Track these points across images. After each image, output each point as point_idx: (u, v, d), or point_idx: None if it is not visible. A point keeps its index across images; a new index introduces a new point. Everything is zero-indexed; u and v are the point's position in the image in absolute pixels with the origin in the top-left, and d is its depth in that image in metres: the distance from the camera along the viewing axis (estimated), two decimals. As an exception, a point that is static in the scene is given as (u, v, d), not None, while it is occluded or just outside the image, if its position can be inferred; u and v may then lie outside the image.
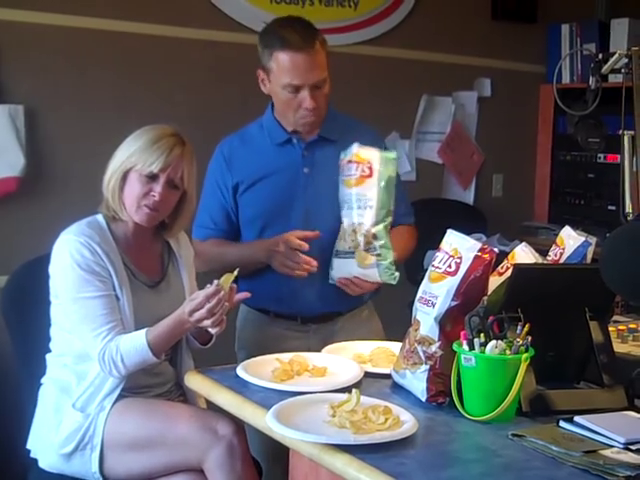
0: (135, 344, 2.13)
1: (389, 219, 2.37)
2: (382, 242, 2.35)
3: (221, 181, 2.55)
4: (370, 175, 2.34)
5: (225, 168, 2.53)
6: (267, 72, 2.44)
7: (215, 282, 2.08)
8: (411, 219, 2.68)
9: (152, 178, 2.22)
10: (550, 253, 2.13)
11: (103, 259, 2.19)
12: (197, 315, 2.08)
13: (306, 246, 2.35)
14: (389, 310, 2.71)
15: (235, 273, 2.12)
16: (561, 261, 2.08)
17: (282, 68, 2.38)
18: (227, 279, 2.10)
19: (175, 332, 2.18)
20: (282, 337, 2.51)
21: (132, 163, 2.21)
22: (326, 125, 2.51)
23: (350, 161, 2.37)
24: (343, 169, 2.39)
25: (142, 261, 2.31)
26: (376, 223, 2.34)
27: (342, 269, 2.39)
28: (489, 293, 1.86)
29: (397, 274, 2.37)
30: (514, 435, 1.64)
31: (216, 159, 2.58)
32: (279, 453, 1.91)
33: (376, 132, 2.63)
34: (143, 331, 2.14)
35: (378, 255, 2.35)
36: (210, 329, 2.13)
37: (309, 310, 2.52)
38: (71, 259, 2.17)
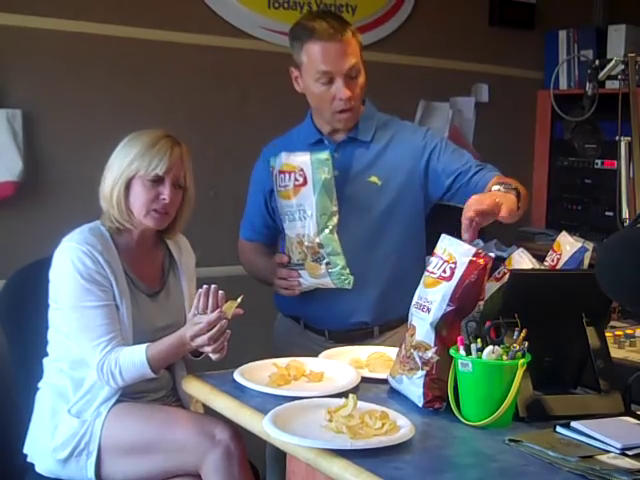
0: (134, 359, 2.13)
1: (334, 220, 2.31)
2: (329, 249, 2.30)
3: (260, 185, 2.55)
4: (304, 183, 2.30)
5: (264, 172, 2.49)
6: (299, 67, 2.41)
7: (218, 310, 2.06)
8: (493, 172, 2.50)
9: (157, 181, 2.22)
10: (547, 258, 2.14)
11: (105, 268, 2.19)
12: (199, 341, 2.08)
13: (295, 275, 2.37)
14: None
15: (239, 300, 2.10)
16: (558, 266, 2.08)
17: (314, 58, 2.35)
18: (230, 306, 2.09)
19: (175, 352, 2.18)
20: (310, 351, 2.38)
21: (134, 170, 2.21)
22: (359, 126, 2.48)
23: (281, 171, 2.33)
24: (276, 180, 2.35)
25: (143, 269, 2.31)
26: (319, 231, 2.30)
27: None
28: (486, 298, 1.86)
29: (351, 278, 2.31)
30: (511, 440, 1.64)
31: (258, 163, 2.59)
32: (277, 458, 1.91)
33: (415, 125, 2.58)
34: (143, 347, 2.14)
35: (327, 264, 2.31)
36: (210, 355, 2.12)
37: (336, 324, 2.48)
38: (73, 267, 2.17)
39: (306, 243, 2.32)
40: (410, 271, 2.41)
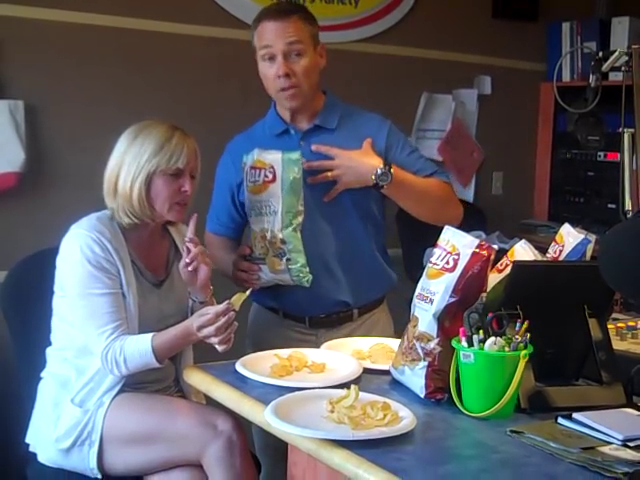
0: (140, 348, 2.13)
1: (298, 219, 2.36)
2: (291, 246, 2.35)
3: (226, 180, 2.57)
4: (273, 180, 2.34)
5: (231, 166, 2.54)
6: (256, 51, 2.46)
7: (226, 302, 2.08)
8: (434, 174, 2.53)
9: (177, 174, 2.23)
10: (549, 250, 2.14)
11: (113, 256, 2.19)
12: (205, 331, 2.08)
13: (255, 268, 2.41)
14: (389, 307, 2.71)
15: (247, 293, 2.12)
16: (560, 258, 2.08)
17: (260, 36, 2.42)
18: (239, 298, 2.10)
19: (181, 342, 2.19)
20: (290, 339, 2.49)
21: (154, 165, 2.20)
22: (323, 114, 2.51)
23: (253, 167, 2.38)
24: (247, 175, 2.40)
25: (149, 259, 2.31)
26: (283, 228, 2.34)
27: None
28: (488, 290, 1.86)
29: (310, 277, 2.37)
30: (512, 431, 1.64)
31: (223, 158, 2.61)
32: (279, 449, 1.91)
33: (379, 117, 2.58)
34: (149, 336, 2.14)
35: (288, 260, 2.36)
36: (216, 346, 2.12)
37: (316, 309, 2.51)
38: (81, 254, 2.17)
39: (269, 238, 2.36)
40: (373, 255, 2.57)
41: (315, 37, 2.47)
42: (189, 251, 2.20)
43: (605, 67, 2.35)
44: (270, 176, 2.34)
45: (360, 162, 2.39)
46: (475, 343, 1.74)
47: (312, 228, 2.41)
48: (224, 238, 2.63)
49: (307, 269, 2.37)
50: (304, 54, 2.41)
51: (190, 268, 2.21)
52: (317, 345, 2.43)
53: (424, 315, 1.84)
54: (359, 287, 2.53)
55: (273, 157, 2.35)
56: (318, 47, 2.47)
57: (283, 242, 2.35)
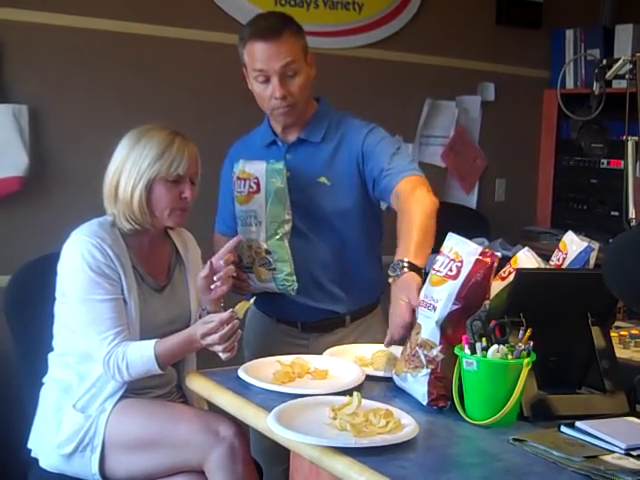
0: (142, 354, 2.13)
1: (285, 228, 2.37)
2: (276, 256, 2.37)
3: (227, 184, 2.57)
4: (257, 191, 2.36)
5: (230, 171, 2.53)
6: (245, 66, 2.44)
7: (230, 310, 2.09)
8: (411, 172, 2.34)
9: (177, 181, 2.23)
10: (553, 258, 2.13)
11: (114, 262, 2.19)
12: (209, 339, 2.08)
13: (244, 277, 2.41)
14: (384, 312, 2.70)
15: (251, 302, 2.14)
16: (564, 266, 2.08)
17: (251, 57, 2.37)
18: (242, 306, 2.11)
19: (184, 349, 2.19)
20: (283, 343, 2.51)
21: (155, 172, 2.20)
22: (309, 126, 2.49)
23: (239, 178, 2.40)
24: (234, 186, 2.42)
25: (151, 264, 2.31)
26: (268, 238, 2.36)
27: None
28: (491, 297, 1.86)
29: (296, 285, 2.39)
30: (515, 440, 1.64)
31: (225, 162, 2.63)
32: (280, 455, 1.91)
33: (364, 123, 2.51)
34: (152, 342, 2.14)
35: (273, 269, 2.38)
36: (220, 354, 2.12)
37: (308, 316, 2.52)
38: (82, 260, 2.17)
39: (254, 248, 2.38)
40: (365, 266, 2.54)
41: (305, 49, 2.43)
42: (211, 265, 2.19)
43: (609, 75, 2.35)
44: (254, 187, 2.36)
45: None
46: (478, 351, 1.74)
47: (298, 240, 2.41)
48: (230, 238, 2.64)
49: (293, 277, 2.38)
50: (299, 72, 2.38)
51: (212, 286, 2.19)
52: (309, 349, 2.45)
53: (427, 322, 1.84)
54: (348, 298, 2.53)
55: (257, 168, 2.37)
56: (308, 58, 2.43)
57: (268, 252, 2.37)
